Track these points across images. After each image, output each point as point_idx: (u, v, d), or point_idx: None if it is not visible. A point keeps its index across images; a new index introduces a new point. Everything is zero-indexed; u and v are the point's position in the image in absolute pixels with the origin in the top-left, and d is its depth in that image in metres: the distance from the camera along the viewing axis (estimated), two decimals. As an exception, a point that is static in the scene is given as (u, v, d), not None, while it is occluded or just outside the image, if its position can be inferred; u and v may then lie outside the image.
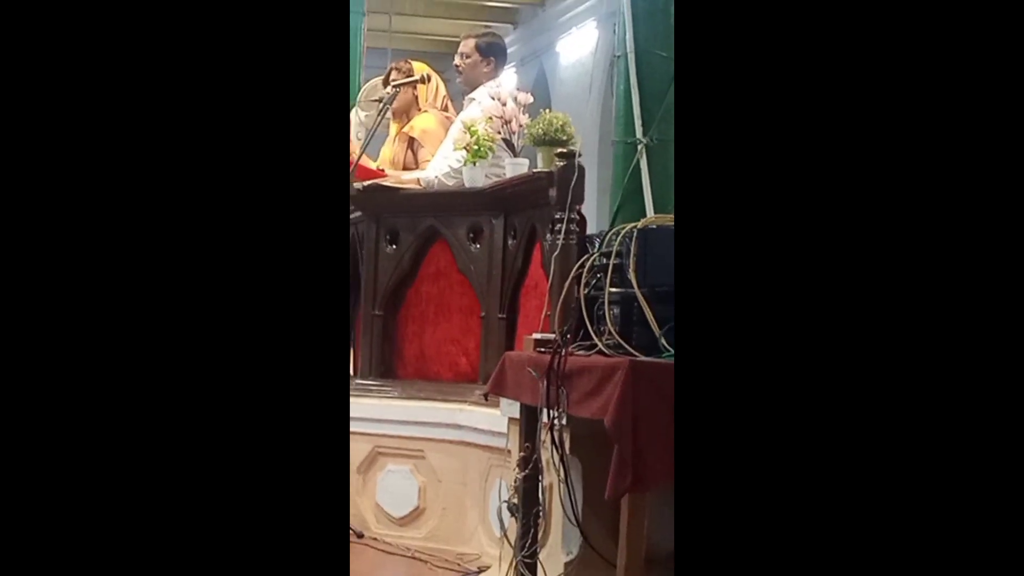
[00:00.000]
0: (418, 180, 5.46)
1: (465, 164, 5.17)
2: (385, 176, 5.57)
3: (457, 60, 5.72)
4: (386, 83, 5.85)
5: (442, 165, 5.40)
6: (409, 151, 5.75)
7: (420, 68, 5.83)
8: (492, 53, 5.70)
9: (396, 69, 5.82)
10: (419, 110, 5.81)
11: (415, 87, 5.77)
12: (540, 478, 3.79)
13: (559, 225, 4.27)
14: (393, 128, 5.92)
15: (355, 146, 6.50)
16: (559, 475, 3.54)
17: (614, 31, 5.10)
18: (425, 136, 5.67)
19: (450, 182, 5.35)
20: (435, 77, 5.88)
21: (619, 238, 3.47)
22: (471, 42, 5.74)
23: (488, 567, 4.46)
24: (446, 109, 5.78)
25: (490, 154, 5.12)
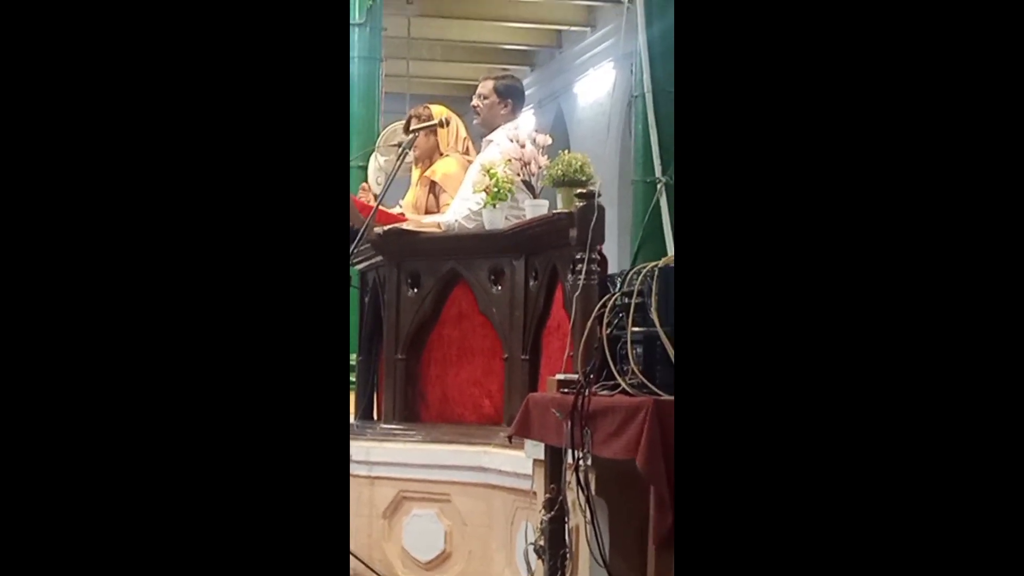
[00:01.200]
0: (438, 224, 5.47)
1: (485, 206, 5.17)
2: (405, 220, 5.58)
3: (475, 101, 5.73)
4: (407, 129, 5.87)
5: (461, 208, 5.41)
6: (431, 195, 5.76)
7: (439, 112, 5.84)
8: (510, 95, 5.71)
9: (415, 116, 5.84)
10: (440, 154, 5.82)
11: (436, 132, 5.78)
12: (566, 519, 3.77)
13: (580, 265, 4.27)
14: (415, 173, 5.93)
15: (375, 191, 6.53)
16: (585, 516, 3.53)
17: (631, 72, 5.11)
18: (446, 180, 5.68)
19: (470, 225, 5.35)
20: (455, 120, 5.89)
21: (640, 277, 3.47)
22: (489, 84, 5.75)
23: (516, 610, 4.43)
24: (468, 152, 5.79)
25: (509, 196, 5.12)
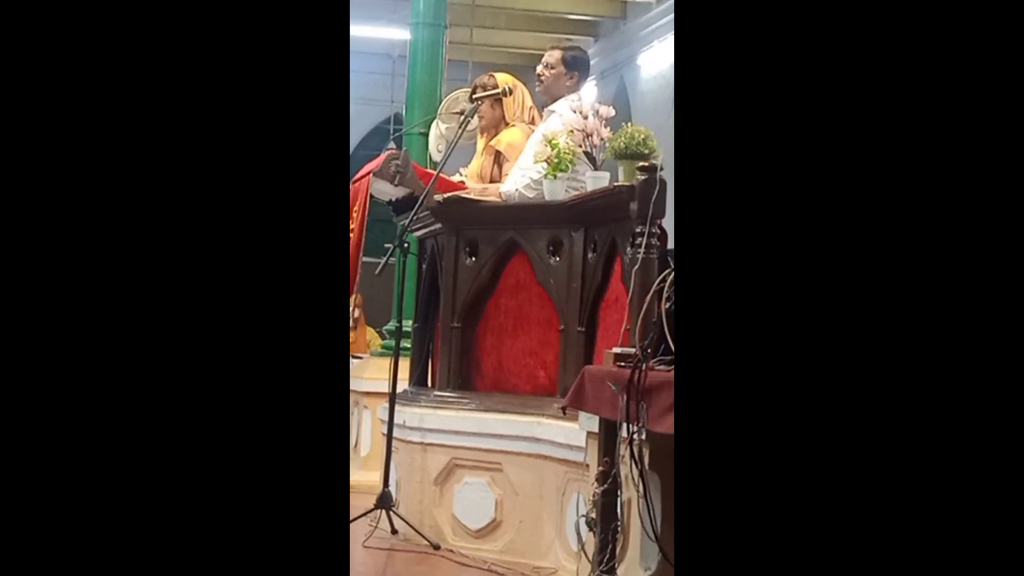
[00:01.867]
0: (499, 192, 5.46)
1: (546, 176, 5.16)
2: (465, 188, 5.58)
3: (540, 69, 5.70)
4: (472, 98, 5.86)
5: (522, 178, 5.39)
6: (496, 165, 5.75)
7: (505, 80, 5.82)
8: (577, 68, 5.68)
9: (480, 85, 5.82)
10: (506, 124, 5.80)
11: (501, 101, 5.76)
12: (619, 493, 3.76)
13: (640, 239, 4.25)
14: (480, 142, 5.92)
15: (435, 158, 6.53)
16: (638, 490, 3.52)
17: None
18: (511, 150, 5.67)
19: (530, 194, 5.34)
20: (521, 89, 5.86)
21: (701, 252, 3.44)
22: (557, 53, 5.72)
23: (564, 582, 4.44)
24: (533, 122, 5.76)
25: (571, 167, 5.11)
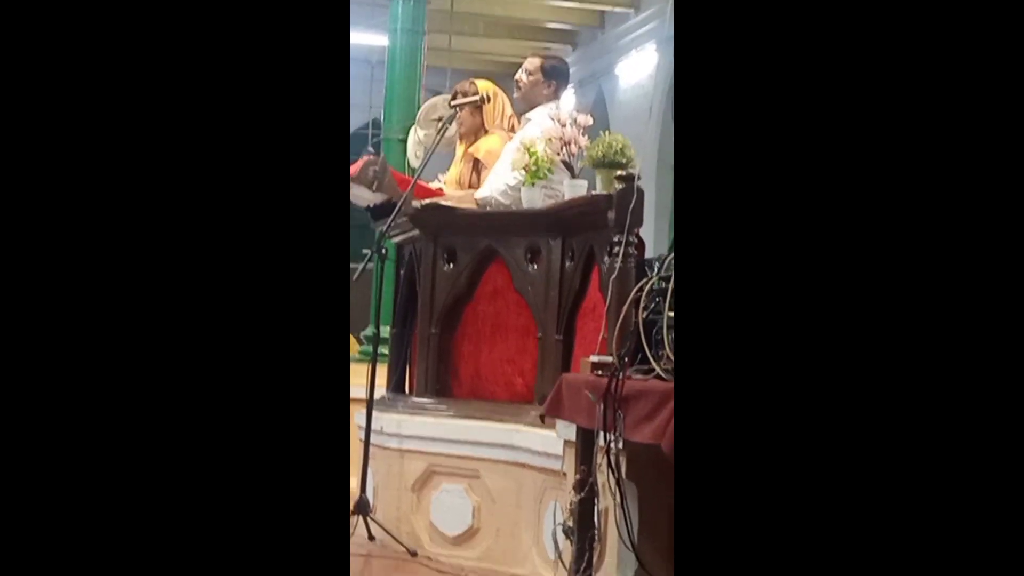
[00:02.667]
0: (474, 198, 5.47)
1: (524, 184, 5.17)
2: (442, 195, 5.58)
3: (519, 75, 5.71)
4: (451, 104, 5.87)
5: (498, 183, 5.41)
6: (474, 172, 5.75)
7: (485, 87, 5.83)
8: (555, 76, 5.69)
9: (460, 91, 5.83)
10: (485, 131, 5.81)
11: (480, 108, 5.78)
12: (596, 501, 3.78)
13: (617, 248, 4.26)
14: (459, 149, 5.93)
15: (414, 165, 6.53)
16: (615, 499, 3.54)
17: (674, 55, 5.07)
18: (489, 157, 5.67)
19: (506, 200, 5.35)
20: (501, 96, 5.87)
21: (679, 262, 3.46)
22: (537, 61, 5.73)
23: (540, 589, 4.44)
24: (512, 130, 5.77)
25: (549, 175, 5.12)
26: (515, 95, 5.78)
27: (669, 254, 3.70)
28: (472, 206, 5.44)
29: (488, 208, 5.40)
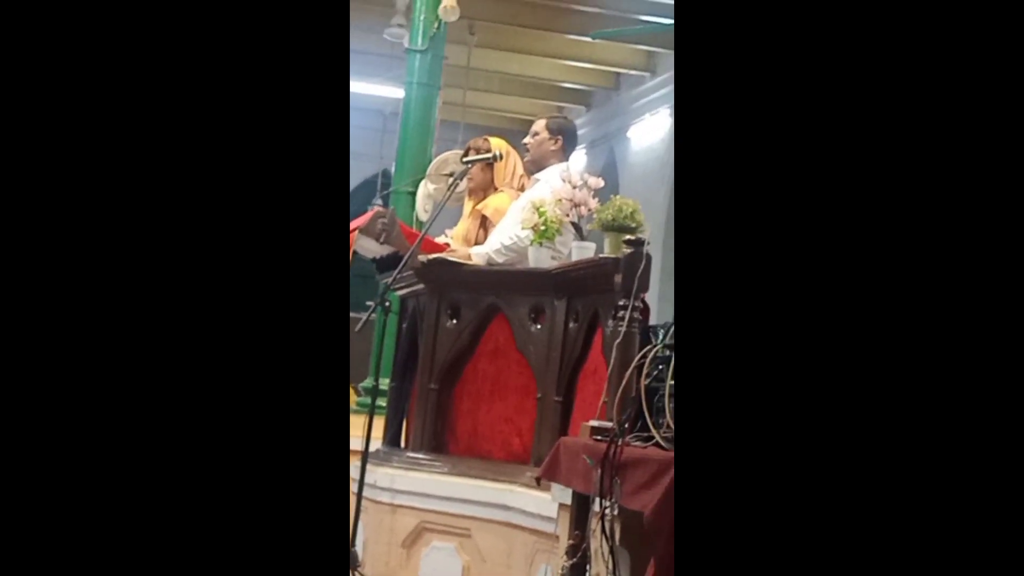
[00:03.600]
0: (469, 255, 5.47)
1: (532, 244, 5.16)
2: (449, 250, 5.58)
3: (527, 139, 5.75)
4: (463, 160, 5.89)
5: (494, 243, 5.43)
6: (481, 229, 5.76)
7: (498, 145, 5.84)
8: (561, 132, 5.71)
9: (473, 148, 5.84)
10: (495, 189, 5.82)
11: (492, 166, 5.78)
12: (588, 567, 3.73)
13: (622, 312, 4.24)
14: (468, 205, 5.94)
15: (422, 218, 6.53)
16: (607, 566, 3.49)
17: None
18: (497, 215, 5.68)
19: (500, 259, 5.35)
20: (513, 155, 5.88)
21: (684, 330, 3.43)
22: (542, 122, 5.78)
23: (527, 654, 4.39)
24: (522, 189, 5.78)
25: (557, 236, 5.11)
26: (526, 158, 5.80)
27: (674, 321, 3.68)
28: (479, 264, 5.43)
29: (492, 265, 5.40)
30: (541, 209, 5.09)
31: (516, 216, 5.39)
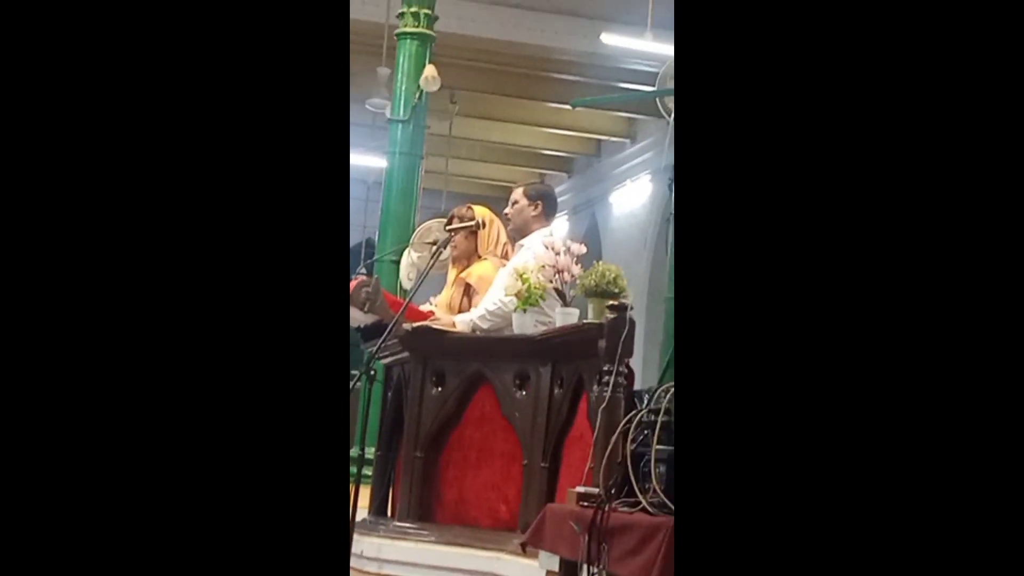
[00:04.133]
0: (454, 323, 5.49)
1: (515, 310, 5.18)
2: (433, 318, 5.59)
3: (507, 209, 5.80)
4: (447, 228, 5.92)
5: (479, 309, 5.45)
6: (465, 296, 5.78)
7: (482, 213, 5.88)
8: (540, 197, 5.76)
9: (457, 216, 5.88)
10: (478, 257, 5.85)
11: (476, 233, 5.82)
12: (576, 635, 3.71)
13: (607, 377, 4.25)
14: (452, 273, 5.96)
15: (406, 286, 6.54)
16: (596, 633, 3.47)
17: (670, 187, 5.13)
18: (481, 283, 5.70)
19: (485, 324, 5.36)
20: (496, 223, 5.91)
21: (668, 395, 3.45)
22: (519, 190, 5.84)
23: None
24: (506, 256, 5.81)
25: (540, 302, 5.13)
26: (508, 228, 5.84)
27: (659, 386, 3.69)
28: (463, 331, 5.44)
29: (477, 332, 5.41)
30: (524, 276, 5.11)
31: (501, 283, 5.41)
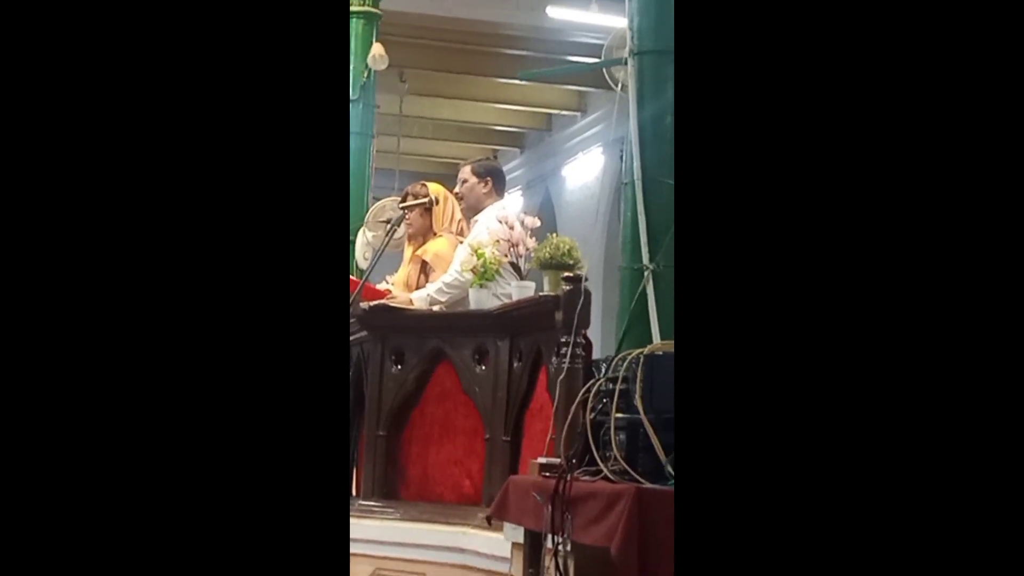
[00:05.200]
0: (411, 300, 5.50)
1: (472, 286, 5.20)
2: (390, 296, 5.61)
3: (457, 188, 5.83)
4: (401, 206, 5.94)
5: (438, 282, 5.47)
6: (421, 274, 5.79)
7: (436, 190, 5.89)
8: (489, 174, 5.80)
9: (411, 193, 5.89)
10: (434, 234, 5.86)
11: (430, 211, 5.83)
12: (543, 604, 3.74)
13: (565, 349, 4.27)
14: (408, 251, 5.97)
15: (361, 266, 6.54)
16: (562, 602, 3.51)
17: (621, 158, 5.15)
18: (437, 260, 5.72)
19: (442, 298, 5.39)
20: (451, 200, 5.93)
21: (625, 364, 3.48)
22: (467, 168, 5.88)
23: None
24: (461, 233, 5.83)
25: (496, 277, 5.15)
26: (461, 207, 5.86)
27: (617, 355, 3.72)
28: (421, 308, 5.46)
29: (435, 308, 5.42)
30: (479, 251, 5.13)
31: (460, 258, 5.44)
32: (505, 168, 7.82)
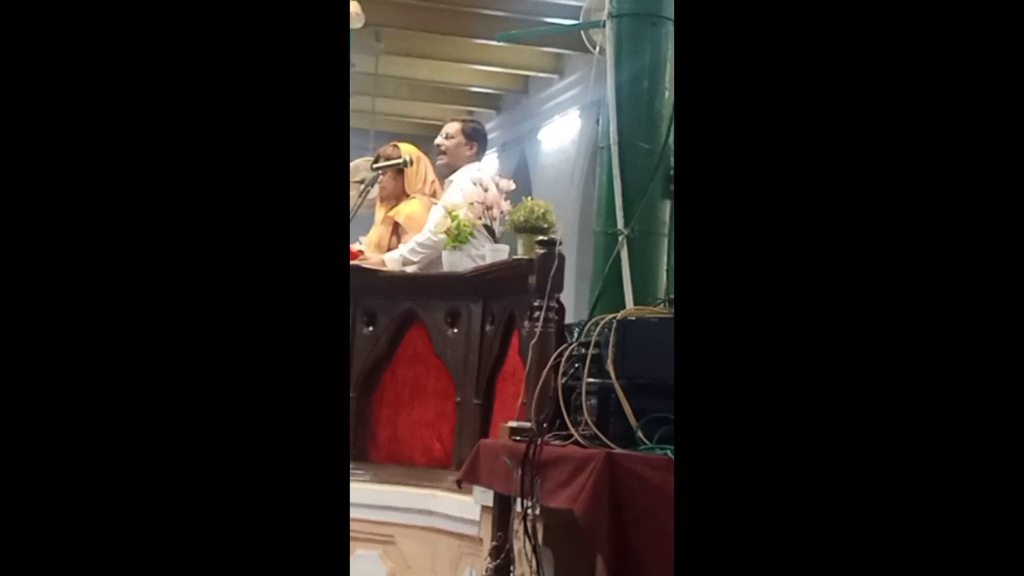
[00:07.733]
0: (383, 261, 5.48)
1: (445, 248, 5.18)
2: (362, 257, 5.58)
3: (440, 140, 5.78)
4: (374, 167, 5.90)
5: (411, 242, 5.46)
6: (394, 235, 5.77)
7: (409, 151, 5.86)
8: (476, 138, 5.78)
9: (383, 155, 5.86)
10: (406, 195, 5.84)
11: (403, 172, 5.80)
12: (511, 568, 3.74)
13: (538, 313, 4.26)
14: (380, 212, 5.94)
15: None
16: (531, 566, 3.51)
17: (597, 121, 5.13)
18: (410, 221, 5.70)
19: (415, 258, 5.37)
20: (424, 161, 5.91)
21: (598, 328, 3.47)
22: (456, 125, 5.82)
23: (455, 657, 4.39)
24: (434, 195, 5.81)
25: (470, 239, 5.13)
26: (439, 161, 5.83)
27: (589, 319, 3.71)
28: (394, 270, 5.44)
29: (408, 269, 5.40)
30: (453, 213, 5.11)
31: (434, 219, 5.43)
32: (481, 130, 7.79)
